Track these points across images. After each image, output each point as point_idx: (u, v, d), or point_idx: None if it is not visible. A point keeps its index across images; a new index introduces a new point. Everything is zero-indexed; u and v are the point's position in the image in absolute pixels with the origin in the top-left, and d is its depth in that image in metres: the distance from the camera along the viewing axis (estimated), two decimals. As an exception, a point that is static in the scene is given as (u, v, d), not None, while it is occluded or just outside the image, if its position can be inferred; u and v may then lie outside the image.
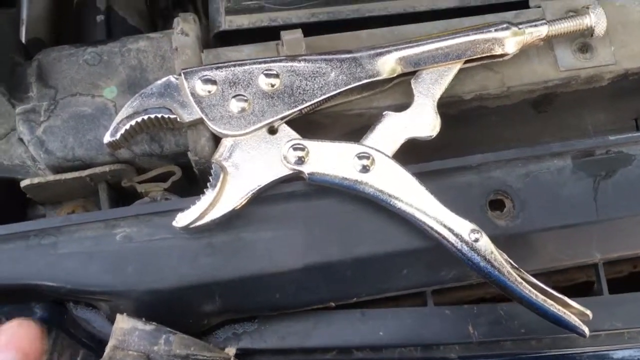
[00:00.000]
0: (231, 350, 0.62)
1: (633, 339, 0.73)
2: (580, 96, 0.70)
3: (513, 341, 0.72)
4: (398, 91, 0.67)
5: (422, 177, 0.61)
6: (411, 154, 0.64)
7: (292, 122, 0.63)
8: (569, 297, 0.61)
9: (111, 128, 0.61)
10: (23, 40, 0.90)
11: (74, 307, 0.68)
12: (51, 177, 0.64)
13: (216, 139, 0.63)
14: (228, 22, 0.71)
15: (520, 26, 0.65)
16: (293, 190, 0.63)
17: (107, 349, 0.56)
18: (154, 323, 0.57)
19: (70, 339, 0.72)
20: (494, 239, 0.60)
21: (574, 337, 0.73)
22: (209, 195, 0.59)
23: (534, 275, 0.61)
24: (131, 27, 0.79)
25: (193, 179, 0.70)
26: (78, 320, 0.69)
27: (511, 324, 0.70)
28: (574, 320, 0.59)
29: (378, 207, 0.62)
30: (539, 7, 0.71)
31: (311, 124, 0.66)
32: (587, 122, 0.73)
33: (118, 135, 0.60)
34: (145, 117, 0.61)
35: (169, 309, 0.62)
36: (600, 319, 0.70)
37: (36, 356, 0.54)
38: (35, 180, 0.63)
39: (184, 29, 0.67)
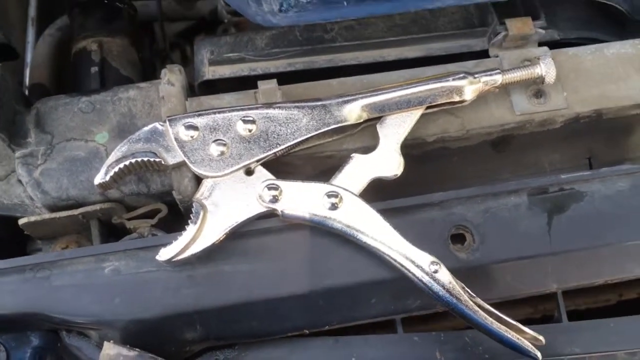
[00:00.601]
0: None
1: (594, 365, 0.77)
2: (535, 137, 0.76)
3: (478, 368, 0.76)
4: (365, 134, 0.72)
5: (387, 213, 0.66)
6: (377, 192, 0.69)
7: (267, 164, 0.69)
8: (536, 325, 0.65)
9: (102, 170, 0.67)
10: (27, 83, 0.97)
11: (66, 335, 0.73)
12: (47, 216, 0.69)
13: (198, 179, 0.69)
14: (211, 72, 0.77)
15: (476, 75, 0.71)
16: (268, 227, 0.68)
17: (94, 375, 0.61)
18: (137, 350, 0.62)
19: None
20: (456, 271, 0.65)
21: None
22: (189, 231, 0.64)
23: (495, 305, 0.66)
24: (123, 77, 0.86)
25: (179, 214, 0.76)
26: (70, 348, 0.73)
27: (476, 349, 0.74)
28: (527, 345, 0.64)
29: (346, 241, 0.67)
30: (497, 56, 0.77)
31: (285, 165, 0.72)
32: (543, 161, 0.79)
33: (108, 177, 0.66)
34: (133, 160, 0.66)
35: (153, 336, 0.66)
36: (560, 345, 0.74)
37: None
38: (32, 219, 0.69)
39: (170, 80, 0.73)
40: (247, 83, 0.77)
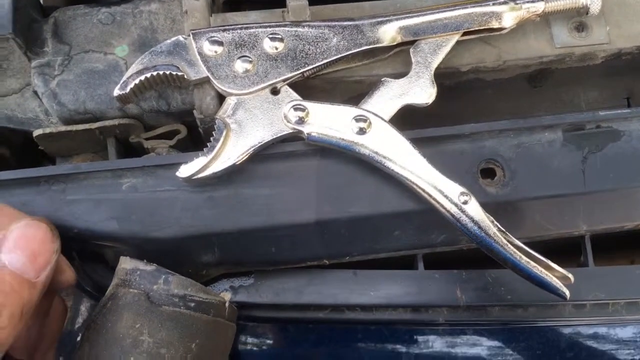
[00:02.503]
0: (227, 296, 0.64)
1: (617, 312, 0.75)
2: (574, 73, 0.72)
3: (500, 307, 0.75)
4: (397, 60, 0.69)
5: (417, 142, 0.64)
6: (407, 121, 0.66)
7: (294, 86, 0.66)
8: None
9: (121, 82, 0.64)
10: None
11: (79, 257, 0.71)
12: (62, 128, 0.67)
13: (221, 98, 0.66)
14: (236, -12, 0.73)
15: (517, 1, 0.67)
16: (292, 150, 0.65)
17: (110, 287, 0.59)
18: (154, 264, 0.60)
19: (75, 288, 0.76)
20: (484, 205, 0.62)
21: (560, 308, 0.76)
22: (211, 149, 0.62)
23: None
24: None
25: (197, 140, 0.73)
26: (84, 269, 0.72)
27: (498, 290, 0.73)
28: (556, 282, 0.62)
29: (373, 169, 0.65)
30: (538, -15, 0.73)
31: (312, 89, 0.69)
32: (580, 99, 0.76)
33: (127, 89, 0.63)
34: (154, 73, 0.63)
35: (169, 257, 0.65)
36: (585, 290, 0.73)
37: (46, 258, 0.52)
38: (47, 130, 0.67)
39: (195, -7, 0.70)
40: (272, 3, 0.73)
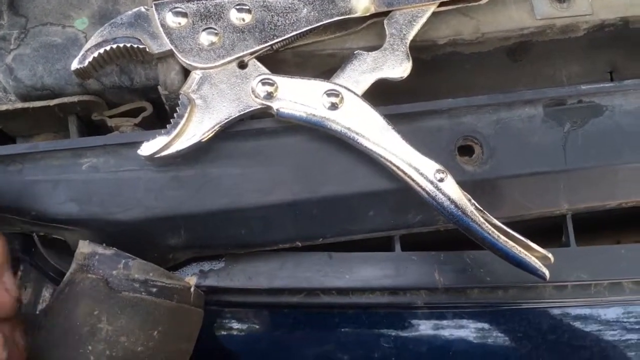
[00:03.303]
0: (192, 280, 0.62)
1: (599, 293, 0.73)
2: (555, 46, 0.70)
3: (479, 289, 0.72)
4: (371, 32, 0.66)
5: (392, 118, 0.61)
6: (381, 97, 0.63)
7: (263, 59, 0.63)
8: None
9: (79, 55, 0.60)
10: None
11: (40, 241, 0.68)
12: (19, 105, 0.63)
13: (186, 73, 0.63)
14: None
15: (496, -31, 0.64)
16: (262, 127, 0.62)
17: (68, 273, 0.56)
18: (114, 248, 0.57)
19: (37, 273, 0.73)
20: (462, 184, 0.60)
21: (541, 289, 0.74)
22: (175, 125, 0.59)
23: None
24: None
25: (164, 118, 0.70)
26: (45, 255, 0.69)
27: (477, 272, 0.70)
28: (535, 262, 0.59)
29: (346, 147, 0.62)
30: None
31: (282, 63, 0.66)
32: (561, 73, 0.73)
33: (86, 63, 0.60)
34: (114, 45, 0.60)
35: (133, 240, 0.61)
36: (566, 270, 0.71)
37: None
38: (3, 107, 0.63)
39: (158, -38, 0.66)
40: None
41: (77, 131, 0.67)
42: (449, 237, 0.70)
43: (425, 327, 0.76)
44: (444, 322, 0.76)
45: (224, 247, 0.66)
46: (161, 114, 0.69)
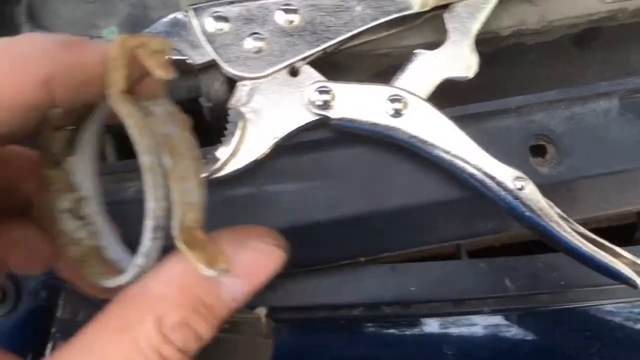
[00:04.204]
0: (262, 311, 0.57)
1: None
2: (626, 31, 0.64)
3: (550, 294, 0.69)
4: (429, 27, 0.60)
5: (457, 121, 0.56)
6: (442, 96, 0.58)
7: (314, 64, 0.57)
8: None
9: (115, 72, 0.55)
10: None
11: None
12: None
13: (231, 83, 0.57)
14: (238, -47, 0.64)
15: (564, -49, 0.59)
16: (319, 139, 0.57)
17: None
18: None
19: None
20: (538, 188, 0.55)
21: (612, 290, 0.70)
22: (228, 144, 0.54)
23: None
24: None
25: (204, 131, 0.65)
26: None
27: (550, 275, 0.66)
28: (625, 270, 0.55)
29: (410, 155, 0.57)
30: None
31: (333, 66, 0.60)
32: (634, 59, 0.68)
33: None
34: (153, 59, 0.55)
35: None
36: (643, 269, 0.67)
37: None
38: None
39: (190, -39, 0.60)
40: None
41: (113, 149, 0.62)
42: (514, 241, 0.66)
43: (491, 332, 0.73)
44: (510, 323, 0.73)
45: (287, 266, 0.62)
46: (200, 127, 0.64)
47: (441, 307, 0.68)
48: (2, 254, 0.46)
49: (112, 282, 0.41)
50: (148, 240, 0.37)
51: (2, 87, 0.36)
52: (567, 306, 0.70)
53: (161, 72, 0.36)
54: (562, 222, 0.54)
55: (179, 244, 0.37)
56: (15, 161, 0.46)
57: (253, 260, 0.43)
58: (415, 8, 0.58)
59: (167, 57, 0.37)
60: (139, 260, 0.38)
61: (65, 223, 0.44)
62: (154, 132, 0.37)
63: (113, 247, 0.45)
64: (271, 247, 0.45)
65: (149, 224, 0.36)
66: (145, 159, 0.35)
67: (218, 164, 0.53)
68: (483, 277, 0.66)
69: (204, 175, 0.51)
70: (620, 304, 0.72)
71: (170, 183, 0.36)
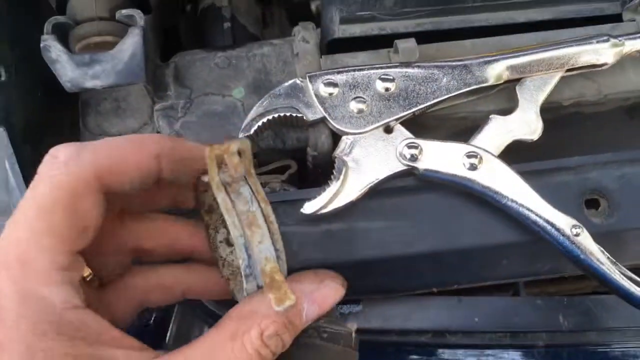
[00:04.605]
0: (354, 326, 0.68)
1: None
2: (671, 105, 0.75)
3: (597, 332, 0.77)
4: (501, 96, 0.72)
5: (524, 175, 0.66)
6: (512, 154, 0.69)
7: (405, 123, 0.69)
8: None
9: (244, 124, 0.67)
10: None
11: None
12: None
13: (334, 137, 0.70)
14: (342, 31, 0.77)
15: (619, 39, 0.69)
16: (404, 185, 0.68)
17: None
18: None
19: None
20: (591, 235, 0.65)
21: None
22: (334, 186, 0.65)
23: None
24: (251, 34, 0.87)
25: (304, 176, 0.77)
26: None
27: (599, 314, 0.75)
28: (667, 311, 0.64)
29: (481, 202, 0.68)
30: (633, 20, 0.76)
31: (420, 126, 0.72)
32: (677, 129, 0.78)
33: (252, 131, 0.67)
34: (275, 115, 0.67)
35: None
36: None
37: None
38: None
39: (305, 37, 0.74)
40: (369, 42, 0.77)
41: (231, 188, 0.74)
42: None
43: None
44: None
45: (369, 292, 0.73)
46: (301, 171, 0.76)
47: (500, 339, 0.77)
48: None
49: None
50: (245, 283, 0.55)
51: (132, 157, 0.51)
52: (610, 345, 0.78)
53: (236, 169, 0.53)
54: (611, 265, 0.64)
55: (264, 286, 0.53)
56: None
57: (326, 294, 0.60)
58: (491, 81, 0.69)
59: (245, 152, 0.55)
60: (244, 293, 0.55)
61: (222, 250, 0.59)
62: (240, 211, 0.54)
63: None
64: (338, 285, 0.62)
65: (242, 273, 0.54)
66: (232, 232, 0.53)
67: (324, 202, 0.65)
68: (539, 313, 0.75)
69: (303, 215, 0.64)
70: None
71: (252, 247, 0.54)
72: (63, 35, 0.70)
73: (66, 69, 0.67)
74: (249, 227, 0.55)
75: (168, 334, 0.79)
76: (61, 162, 0.47)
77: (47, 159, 0.48)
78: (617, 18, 0.78)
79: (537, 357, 0.81)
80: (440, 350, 0.80)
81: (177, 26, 0.95)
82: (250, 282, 0.55)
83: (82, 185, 0.46)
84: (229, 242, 0.61)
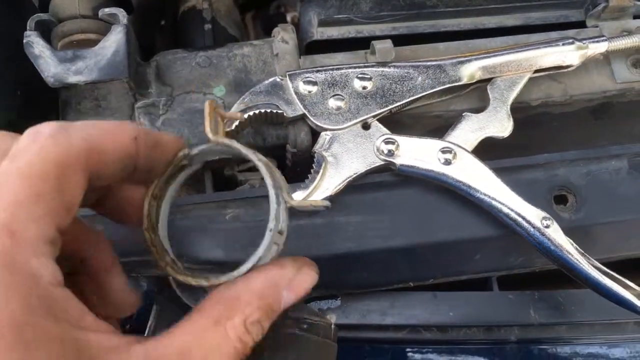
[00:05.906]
0: (332, 317, 0.69)
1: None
2: (633, 106, 0.78)
3: (567, 325, 0.79)
4: (473, 96, 0.75)
5: (496, 171, 0.69)
6: (483, 151, 0.72)
7: (382, 120, 0.71)
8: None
9: (225, 121, 0.69)
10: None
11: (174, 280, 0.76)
12: (169, 163, 0.72)
13: (313, 134, 0.72)
14: (320, 33, 0.79)
15: (584, 42, 0.73)
16: (382, 180, 0.70)
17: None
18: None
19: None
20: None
21: (624, 324, 0.81)
22: (312, 180, 0.67)
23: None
24: (231, 36, 0.88)
25: (282, 172, 0.78)
26: (181, 295, 0.77)
27: (569, 308, 0.77)
28: (634, 299, 0.66)
29: (455, 197, 0.70)
30: (597, 26, 0.80)
31: (395, 123, 0.74)
32: (638, 130, 0.82)
33: (233, 127, 0.69)
34: (256, 111, 0.69)
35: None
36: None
37: None
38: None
39: (284, 38, 0.76)
40: (346, 45, 0.79)
41: (211, 185, 0.75)
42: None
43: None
44: (534, 355, 0.83)
45: (346, 287, 0.74)
46: (281, 169, 0.78)
47: (473, 333, 0.79)
48: None
49: (223, 278, 0.55)
50: (267, 241, 0.54)
51: (113, 136, 0.51)
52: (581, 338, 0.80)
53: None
54: (580, 257, 0.66)
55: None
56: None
57: (303, 281, 0.59)
58: (464, 80, 0.72)
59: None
60: (255, 257, 0.53)
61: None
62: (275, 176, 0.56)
63: None
64: (313, 272, 0.61)
65: (269, 232, 0.54)
66: (271, 192, 0.54)
67: (303, 196, 0.66)
68: (511, 307, 0.77)
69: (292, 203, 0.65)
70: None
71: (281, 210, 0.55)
72: (46, 32, 0.71)
73: (49, 64, 0.67)
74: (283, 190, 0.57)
75: (147, 331, 0.78)
76: (47, 134, 0.45)
77: (29, 132, 0.45)
78: (581, 25, 0.82)
79: (512, 352, 0.83)
80: (416, 347, 0.82)
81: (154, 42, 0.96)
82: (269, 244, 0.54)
83: (73, 158, 0.45)
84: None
